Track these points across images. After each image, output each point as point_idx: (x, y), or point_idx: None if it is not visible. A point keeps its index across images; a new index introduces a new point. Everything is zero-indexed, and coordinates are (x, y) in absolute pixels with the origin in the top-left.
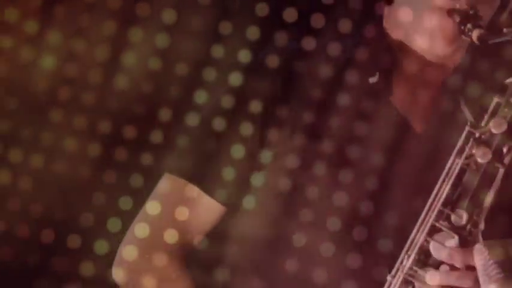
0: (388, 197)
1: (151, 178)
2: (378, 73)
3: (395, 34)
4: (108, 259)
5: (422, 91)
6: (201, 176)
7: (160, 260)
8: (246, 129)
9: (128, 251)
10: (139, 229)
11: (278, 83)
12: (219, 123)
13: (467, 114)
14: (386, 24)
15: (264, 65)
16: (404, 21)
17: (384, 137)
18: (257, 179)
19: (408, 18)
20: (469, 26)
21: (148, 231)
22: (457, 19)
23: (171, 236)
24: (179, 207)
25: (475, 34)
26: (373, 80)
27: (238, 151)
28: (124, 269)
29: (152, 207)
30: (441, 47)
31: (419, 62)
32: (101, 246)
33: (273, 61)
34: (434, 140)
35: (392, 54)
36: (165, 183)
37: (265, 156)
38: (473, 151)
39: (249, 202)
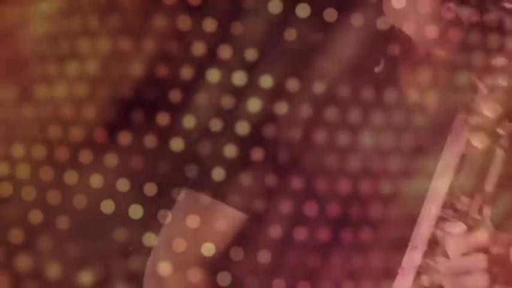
0: (398, 185)
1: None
2: (382, 61)
3: (392, 19)
4: None
5: (430, 75)
6: (215, 185)
7: (191, 273)
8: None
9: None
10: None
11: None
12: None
13: (482, 87)
14: (384, 9)
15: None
16: (397, 5)
17: (397, 126)
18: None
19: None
20: (452, 4)
21: (172, 246)
22: None
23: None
24: (197, 219)
25: (462, 12)
26: (378, 69)
27: (256, 154)
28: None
29: (170, 223)
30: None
31: (415, 46)
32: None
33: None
34: (446, 123)
35: (394, 40)
36: (181, 198)
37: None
38: (470, 137)
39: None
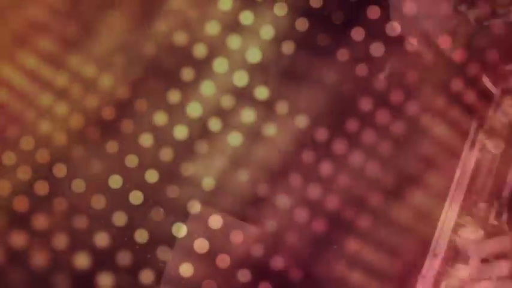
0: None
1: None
2: (387, 68)
3: (401, 26)
4: None
5: (439, 82)
6: (230, 203)
7: None
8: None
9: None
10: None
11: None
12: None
13: (495, 92)
14: (394, 16)
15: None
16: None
17: (413, 134)
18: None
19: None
20: (464, 6)
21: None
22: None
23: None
24: (217, 239)
25: (472, 15)
26: (384, 74)
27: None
28: None
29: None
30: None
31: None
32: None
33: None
34: (462, 129)
35: (401, 47)
36: (196, 215)
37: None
38: (486, 142)
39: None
